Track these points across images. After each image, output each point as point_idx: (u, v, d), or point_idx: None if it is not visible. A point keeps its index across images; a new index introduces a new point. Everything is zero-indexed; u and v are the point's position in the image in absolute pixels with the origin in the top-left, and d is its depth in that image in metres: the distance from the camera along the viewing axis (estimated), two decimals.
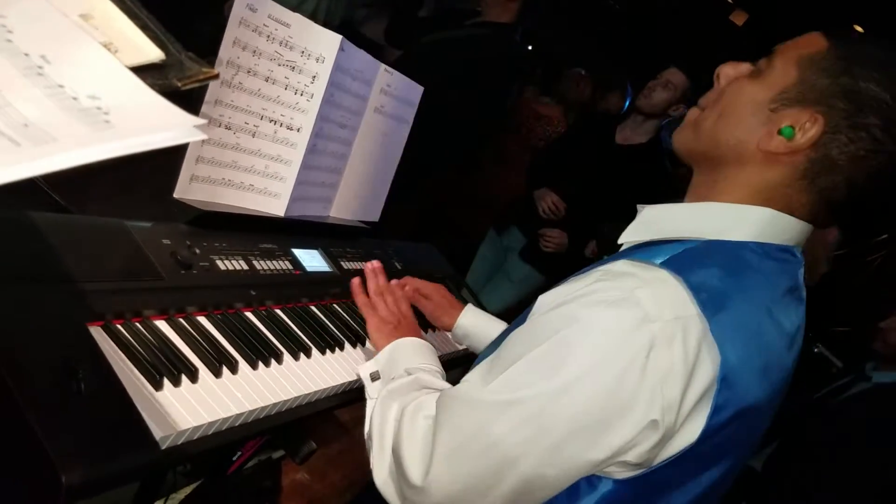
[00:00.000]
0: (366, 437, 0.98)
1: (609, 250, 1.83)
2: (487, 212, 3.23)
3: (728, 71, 0.89)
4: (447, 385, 0.98)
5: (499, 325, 1.33)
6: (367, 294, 1.20)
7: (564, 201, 2.75)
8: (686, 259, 0.79)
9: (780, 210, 0.83)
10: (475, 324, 1.33)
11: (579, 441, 0.74)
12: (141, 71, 0.50)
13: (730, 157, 0.85)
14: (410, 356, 1.05)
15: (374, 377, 1.04)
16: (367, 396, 1.04)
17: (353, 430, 2.65)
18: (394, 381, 0.99)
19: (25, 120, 0.41)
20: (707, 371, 0.74)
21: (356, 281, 1.21)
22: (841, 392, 2.23)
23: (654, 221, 0.90)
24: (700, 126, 0.88)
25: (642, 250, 0.85)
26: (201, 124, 0.43)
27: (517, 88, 2.79)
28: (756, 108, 0.83)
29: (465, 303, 1.40)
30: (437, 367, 1.06)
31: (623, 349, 0.72)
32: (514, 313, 3.19)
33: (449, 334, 1.41)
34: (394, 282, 1.27)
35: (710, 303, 0.75)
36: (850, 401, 2.12)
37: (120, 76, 0.46)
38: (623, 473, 0.78)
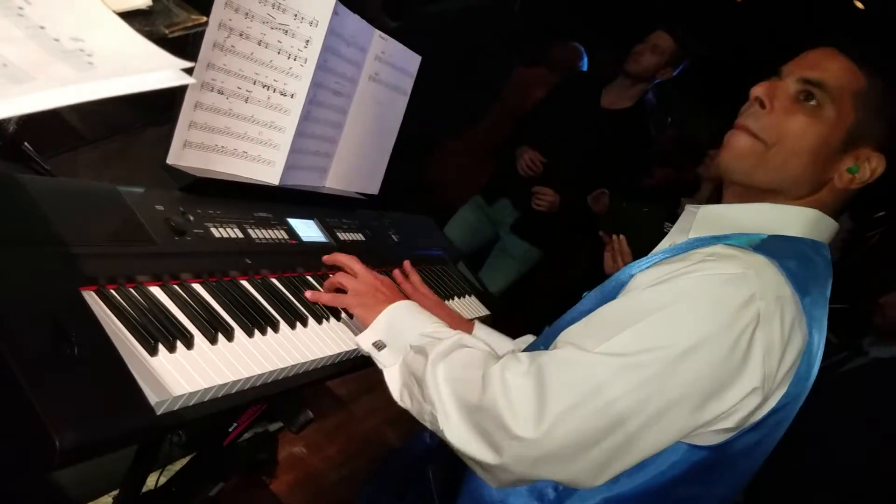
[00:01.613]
0: (400, 403, 1.00)
1: (619, 221, 1.82)
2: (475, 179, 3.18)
3: (781, 101, 0.94)
4: (482, 343, 1.00)
5: (506, 341, 1.31)
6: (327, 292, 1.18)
7: (549, 163, 2.71)
8: (771, 248, 0.88)
9: (822, 211, 0.96)
10: (488, 341, 1.31)
11: (688, 404, 0.81)
12: (127, 17, 0.48)
13: (795, 187, 0.95)
14: (416, 320, 1.05)
15: (379, 345, 1.04)
16: (380, 365, 1.04)
17: (349, 404, 2.66)
18: (425, 349, 0.98)
19: (4, 60, 0.39)
20: (796, 346, 0.85)
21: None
22: (838, 367, 2.24)
23: (716, 219, 0.99)
24: (768, 162, 0.95)
25: (719, 237, 0.94)
26: (188, 67, 0.41)
27: (515, 59, 2.75)
28: (829, 151, 0.93)
29: (475, 291, 1.38)
30: (442, 323, 1.07)
31: (737, 322, 0.80)
32: (516, 290, 3.17)
33: None
34: (395, 273, 1.31)
35: (799, 286, 0.85)
36: (849, 375, 2.13)
37: (104, 19, 0.45)
38: (711, 439, 0.85)
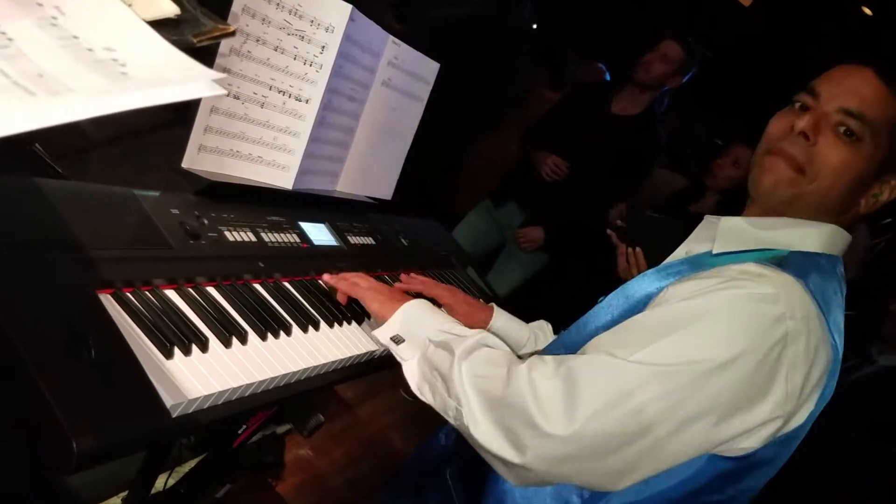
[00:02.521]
0: (420, 396, 1.01)
1: (635, 233, 1.82)
2: (485, 182, 3.20)
3: (824, 135, 0.95)
4: (502, 343, 1.02)
5: (524, 328, 1.33)
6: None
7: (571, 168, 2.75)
8: (795, 266, 0.90)
9: (839, 226, 0.98)
10: (506, 326, 1.33)
11: (711, 418, 0.83)
12: (156, 26, 0.48)
13: (823, 214, 0.97)
14: (434, 317, 1.07)
15: (398, 340, 1.06)
16: (400, 359, 1.06)
17: (355, 407, 2.67)
18: (457, 342, 0.99)
19: (40, 70, 0.39)
20: (822, 363, 0.87)
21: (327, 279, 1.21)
22: (846, 376, 2.23)
23: (739, 232, 1.01)
24: (807, 193, 0.96)
25: (744, 254, 0.96)
26: (220, 78, 0.42)
27: (523, 65, 2.76)
28: (863, 182, 0.96)
29: (482, 294, 1.39)
30: (458, 322, 1.08)
31: (766, 340, 0.82)
32: (523, 294, 3.17)
33: None
34: (402, 277, 1.33)
35: (824, 304, 0.87)
36: (857, 384, 2.12)
37: (136, 29, 0.45)
38: (736, 451, 0.87)
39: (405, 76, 1.50)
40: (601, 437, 0.83)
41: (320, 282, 1.20)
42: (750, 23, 5.67)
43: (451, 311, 1.31)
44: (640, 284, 1.00)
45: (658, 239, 1.11)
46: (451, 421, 0.95)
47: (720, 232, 1.02)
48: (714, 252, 1.00)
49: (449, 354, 0.97)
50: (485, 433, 0.89)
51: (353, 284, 1.16)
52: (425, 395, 1.01)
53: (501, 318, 1.33)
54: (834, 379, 0.91)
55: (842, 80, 0.97)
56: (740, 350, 0.82)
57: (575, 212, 2.76)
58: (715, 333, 0.84)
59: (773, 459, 0.92)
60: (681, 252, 1.10)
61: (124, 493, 1.45)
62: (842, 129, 0.94)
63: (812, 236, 0.97)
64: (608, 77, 3.93)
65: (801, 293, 0.87)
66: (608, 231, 1.91)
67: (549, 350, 1.14)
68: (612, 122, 2.71)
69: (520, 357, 1.27)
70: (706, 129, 4.32)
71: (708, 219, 1.08)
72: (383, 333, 1.07)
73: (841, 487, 1.98)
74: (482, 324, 1.32)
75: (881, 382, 2.06)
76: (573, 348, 0.99)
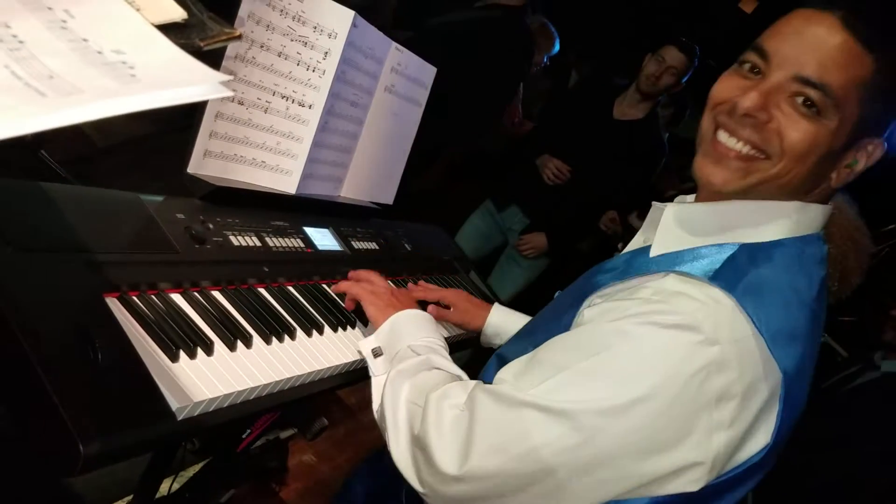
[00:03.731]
0: (376, 415, 0.98)
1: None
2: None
3: (780, 109, 0.79)
4: (456, 368, 0.98)
5: (525, 321, 1.30)
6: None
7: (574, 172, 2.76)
8: (733, 272, 0.77)
9: (807, 202, 0.84)
10: (505, 321, 1.32)
11: (623, 462, 0.74)
12: (164, 30, 0.49)
13: (787, 193, 0.83)
14: (412, 330, 1.04)
15: (377, 353, 1.04)
16: (371, 374, 1.03)
17: (358, 413, 2.66)
18: (402, 360, 0.99)
19: (50, 72, 0.40)
20: (764, 389, 0.75)
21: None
22: (848, 381, 2.22)
23: (685, 222, 0.87)
24: (768, 175, 0.81)
25: (679, 256, 0.83)
26: (227, 80, 0.42)
27: (526, 71, 2.77)
28: (831, 154, 0.80)
29: (485, 299, 1.39)
30: (439, 340, 1.05)
31: (679, 374, 0.72)
32: (525, 298, 3.19)
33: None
34: (409, 286, 1.32)
35: (765, 318, 0.74)
36: (860, 390, 2.11)
37: (144, 32, 0.46)
38: (671, 492, 0.76)
39: (407, 82, 1.51)
40: (496, 478, 0.78)
41: (328, 288, 1.21)
42: (752, 29, 5.68)
43: (455, 309, 1.31)
44: (583, 280, 0.95)
45: None
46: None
47: (661, 226, 0.88)
48: (651, 255, 0.87)
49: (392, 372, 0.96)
50: (399, 459, 0.89)
51: (350, 285, 1.16)
52: (377, 415, 0.98)
53: (498, 314, 1.32)
54: (792, 399, 0.78)
55: (798, 34, 0.78)
56: (648, 387, 0.72)
57: (577, 216, 2.77)
58: (620, 369, 0.74)
59: (734, 490, 0.82)
60: (639, 239, 0.99)
61: (129, 498, 1.45)
62: (800, 98, 0.77)
63: (771, 223, 0.82)
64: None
65: (730, 312, 0.74)
66: (617, 249, 1.90)
67: (514, 342, 1.08)
68: (614, 126, 2.73)
69: None
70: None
71: (655, 205, 0.94)
72: (366, 344, 1.05)
73: (842, 493, 1.97)
74: (482, 320, 1.32)
75: (884, 388, 2.06)
76: (516, 346, 0.96)
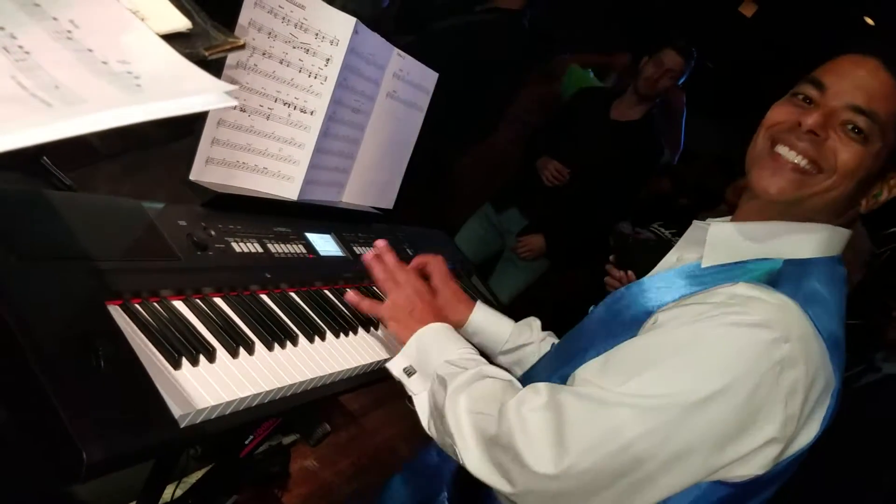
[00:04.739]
0: (428, 431, 1.01)
1: (627, 258, 1.80)
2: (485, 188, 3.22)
3: (836, 131, 0.90)
4: (505, 373, 1.00)
5: (508, 323, 1.32)
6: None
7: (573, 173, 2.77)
8: (789, 282, 0.88)
9: (835, 224, 0.95)
10: (486, 320, 1.31)
11: (706, 450, 0.81)
12: (169, 39, 0.49)
13: (824, 215, 0.94)
14: (443, 346, 1.04)
15: (409, 371, 1.04)
16: (409, 392, 1.04)
17: (361, 418, 2.66)
18: (451, 378, 0.98)
19: (56, 82, 0.40)
20: (821, 384, 0.84)
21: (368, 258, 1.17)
22: (851, 383, 2.22)
23: (728, 240, 0.97)
24: (815, 194, 0.92)
25: (732, 268, 0.93)
26: (232, 90, 0.43)
27: (524, 74, 2.79)
28: (870, 181, 0.93)
29: (473, 297, 1.37)
30: (472, 349, 1.06)
31: (757, 368, 0.80)
32: (524, 300, 3.18)
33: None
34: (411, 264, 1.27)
35: (820, 322, 0.84)
36: (863, 392, 2.11)
37: (149, 43, 0.46)
38: (737, 477, 0.84)
39: (409, 87, 1.52)
40: (591, 474, 0.82)
41: (330, 294, 1.21)
42: (752, 33, 5.70)
43: (437, 296, 1.26)
44: (631, 300, 0.98)
45: (651, 261, 1.08)
46: (452, 456, 0.95)
47: (709, 242, 0.98)
48: (703, 266, 0.96)
49: (444, 390, 0.96)
50: (480, 469, 0.90)
51: (372, 305, 1.12)
52: (431, 431, 1.00)
53: (481, 313, 1.31)
54: (835, 398, 0.88)
55: (848, 72, 0.91)
56: (730, 379, 0.80)
57: (576, 217, 2.77)
58: (703, 364, 0.82)
59: (775, 482, 0.90)
60: (671, 258, 1.07)
61: None
62: (850, 126, 0.89)
63: (807, 242, 0.93)
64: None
65: (797, 314, 0.84)
66: (609, 260, 1.87)
67: (541, 364, 1.13)
68: (612, 127, 2.75)
69: (503, 353, 1.29)
70: (706, 139, 4.33)
71: (696, 224, 1.04)
72: (396, 366, 1.05)
73: (844, 495, 1.97)
74: (461, 316, 1.30)
75: (886, 390, 2.06)
76: (564, 363, 0.99)
